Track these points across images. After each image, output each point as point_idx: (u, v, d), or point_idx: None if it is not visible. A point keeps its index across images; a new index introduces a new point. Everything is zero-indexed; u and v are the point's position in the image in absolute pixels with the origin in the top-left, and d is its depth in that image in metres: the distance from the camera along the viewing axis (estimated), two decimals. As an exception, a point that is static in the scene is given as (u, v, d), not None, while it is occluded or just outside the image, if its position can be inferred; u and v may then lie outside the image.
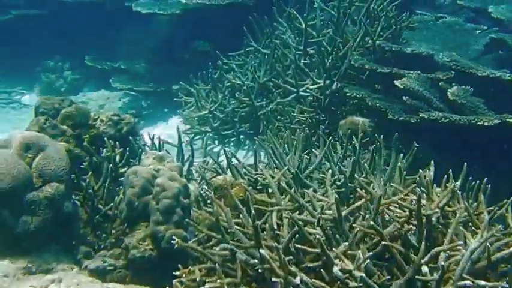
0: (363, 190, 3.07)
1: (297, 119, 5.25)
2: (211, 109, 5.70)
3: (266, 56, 5.79)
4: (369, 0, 5.76)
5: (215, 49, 6.71)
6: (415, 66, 4.98)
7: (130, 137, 4.44)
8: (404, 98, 4.48)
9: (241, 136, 5.84)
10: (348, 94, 4.80)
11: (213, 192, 3.56)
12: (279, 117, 5.45)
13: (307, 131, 4.97)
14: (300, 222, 2.92)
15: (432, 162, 3.57)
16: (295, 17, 5.88)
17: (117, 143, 4.31)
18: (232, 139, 5.87)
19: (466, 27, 6.05)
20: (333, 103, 5.22)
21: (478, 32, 5.99)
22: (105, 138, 4.29)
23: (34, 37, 8.02)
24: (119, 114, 4.58)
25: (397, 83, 4.61)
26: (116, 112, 4.64)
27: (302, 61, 5.65)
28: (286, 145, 4.33)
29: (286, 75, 5.65)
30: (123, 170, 4.23)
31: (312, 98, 5.28)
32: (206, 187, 3.99)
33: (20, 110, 7.71)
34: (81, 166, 4.15)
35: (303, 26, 5.71)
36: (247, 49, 6.25)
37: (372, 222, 2.72)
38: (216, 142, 5.94)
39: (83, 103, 7.49)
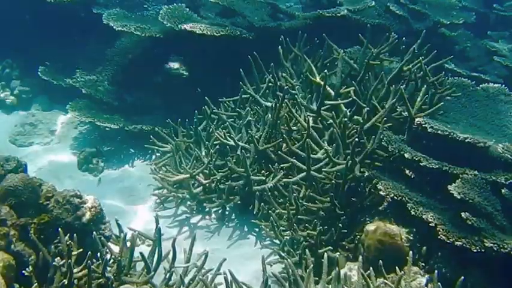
0: None
1: (304, 207, 4.07)
2: (194, 174, 4.47)
3: (269, 114, 4.56)
4: (400, 58, 4.68)
5: (202, 86, 5.50)
6: (462, 154, 3.98)
7: (94, 233, 3.21)
8: (463, 215, 3.42)
9: (227, 209, 4.62)
10: (382, 193, 3.64)
11: None
12: (280, 200, 4.25)
13: (320, 227, 3.83)
14: None
15: None
16: (309, 70, 4.73)
17: (75, 236, 3.17)
18: (215, 209, 4.64)
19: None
20: (355, 191, 4.07)
21: (525, 105, 4.91)
22: (60, 229, 3.13)
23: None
24: (80, 195, 3.36)
25: (451, 189, 3.52)
26: (77, 191, 3.38)
27: (311, 122, 4.48)
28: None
29: (292, 139, 4.49)
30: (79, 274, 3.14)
31: (326, 181, 4.12)
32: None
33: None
34: (25, 272, 3.08)
35: (318, 80, 4.56)
36: (243, 96, 5.02)
37: None
38: (195, 210, 4.72)
39: (31, 125, 6.16)
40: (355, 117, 4.45)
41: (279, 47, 5.07)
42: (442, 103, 4.35)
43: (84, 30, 6.65)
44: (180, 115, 5.29)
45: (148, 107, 6.03)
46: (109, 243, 3.36)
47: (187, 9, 6.20)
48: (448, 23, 6.03)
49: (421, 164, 3.76)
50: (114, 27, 5.81)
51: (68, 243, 3.06)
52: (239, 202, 4.54)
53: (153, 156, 5.46)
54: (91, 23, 6.50)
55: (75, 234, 3.24)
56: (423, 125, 4.07)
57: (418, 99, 4.27)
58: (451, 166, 3.74)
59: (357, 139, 3.96)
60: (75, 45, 6.71)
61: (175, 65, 5.94)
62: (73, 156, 5.56)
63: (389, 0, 5.84)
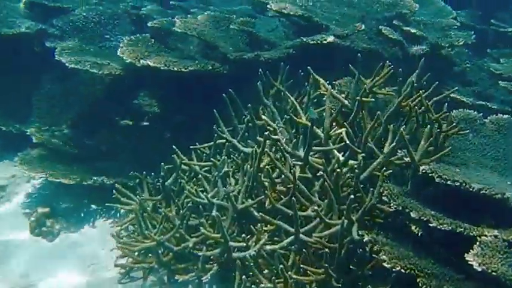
0: None
1: (293, 280, 3.58)
2: (161, 241, 3.98)
3: (248, 166, 4.10)
4: (398, 91, 4.27)
5: (172, 129, 5.08)
6: (477, 203, 3.57)
7: None
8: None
9: (205, 280, 4.12)
10: (387, 266, 3.17)
11: None
12: (266, 271, 3.76)
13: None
14: None
15: None
16: (293, 109, 4.28)
17: None
18: (191, 279, 4.13)
19: (525, 133, 4.55)
20: (353, 254, 3.60)
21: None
22: None
23: None
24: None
25: (470, 260, 3.06)
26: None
27: (298, 172, 4.03)
28: None
29: (277, 192, 4.03)
30: None
31: (318, 246, 3.65)
32: None
33: None
34: None
35: (304, 121, 4.12)
36: (217, 141, 4.56)
37: None
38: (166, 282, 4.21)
39: (-24, 180, 5.62)
40: (350, 161, 4.01)
41: (258, 82, 4.62)
42: (449, 148, 3.91)
43: (39, 67, 6.18)
44: (150, 161, 4.83)
45: (114, 153, 5.56)
46: None
47: (153, 40, 5.75)
48: (447, 45, 5.64)
49: (430, 225, 3.31)
50: (67, 63, 5.32)
51: None
52: (219, 270, 4.05)
53: (118, 214, 4.97)
54: (46, 58, 6.01)
55: None
56: (430, 174, 3.62)
57: (422, 142, 3.82)
58: (466, 227, 3.29)
59: (352, 196, 3.51)
60: (29, 84, 6.24)
61: (141, 103, 5.54)
62: (24, 218, 5.03)
63: (381, 23, 5.44)
